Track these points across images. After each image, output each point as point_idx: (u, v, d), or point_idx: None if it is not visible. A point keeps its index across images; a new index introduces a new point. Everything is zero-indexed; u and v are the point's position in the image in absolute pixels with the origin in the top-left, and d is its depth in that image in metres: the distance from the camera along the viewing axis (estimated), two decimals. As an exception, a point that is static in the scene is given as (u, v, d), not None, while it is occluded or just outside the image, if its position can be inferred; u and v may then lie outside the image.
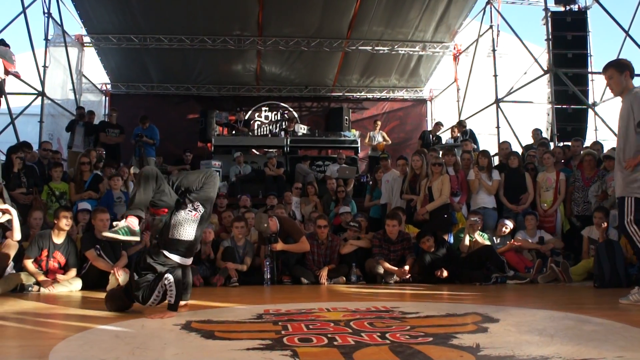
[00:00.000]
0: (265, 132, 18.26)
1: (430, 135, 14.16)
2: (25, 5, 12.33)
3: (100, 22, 15.01)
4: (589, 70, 13.02)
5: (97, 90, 17.74)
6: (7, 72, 4.42)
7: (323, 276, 7.93)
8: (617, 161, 5.27)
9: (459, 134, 13.43)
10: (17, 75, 4.86)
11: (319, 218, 8.57)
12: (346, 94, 18.74)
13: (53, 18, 13.82)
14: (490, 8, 14.64)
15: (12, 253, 6.78)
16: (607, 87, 5.44)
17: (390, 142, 15.15)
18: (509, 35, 14.46)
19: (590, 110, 12.93)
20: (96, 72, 17.24)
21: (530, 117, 13.95)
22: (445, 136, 15.19)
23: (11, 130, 11.36)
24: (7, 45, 10.97)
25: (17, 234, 6.72)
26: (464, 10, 15.09)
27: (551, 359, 2.68)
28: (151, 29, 15.09)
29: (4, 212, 6.70)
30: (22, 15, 12.36)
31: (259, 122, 18.57)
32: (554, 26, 12.66)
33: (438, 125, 14.72)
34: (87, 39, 16.18)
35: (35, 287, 6.80)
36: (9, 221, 6.76)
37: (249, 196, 10.78)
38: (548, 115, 12.73)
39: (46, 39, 13.51)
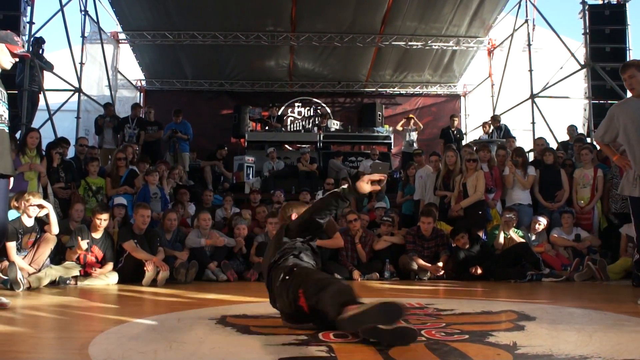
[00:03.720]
0: (298, 128, 18.23)
1: (451, 131, 14.05)
2: (63, 3, 12.50)
3: (135, 19, 15.19)
4: (628, 64, 12.75)
5: (132, 87, 17.96)
6: (14, 55, 4.43)
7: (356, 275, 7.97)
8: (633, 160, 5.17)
9: (491, 130, 13.30)
10: (25, 56, 4.87)
11: (348, 213, 8.59)
12: (379, 89, 18.65)
13: (89, 16, 14.00)
14: (526, 2, 14.41)
15: (51, 246, 6.90)
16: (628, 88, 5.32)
17: (422, 127, 15.03)
18: (545, 30, 14.24)
19: (628, 106, 12.67)
20: (131, 68, 17.47)
21: (566, 112, 13.75)
22: (473, 130, 15.09)
23: (49, 126, 11.55)
24: (43, 42, 11.23)
25: (54, 228, 6.87)
26: (498, 5, 14.88)
27: (590, 358, 2.65)
28: (185, 25, 15.20)
29: (40, 206, 6.86)
30: (60, 13, 12.52)
31: (292, 118, 18.62)
32: (592, 20, 12.41)
33: (453, 118, 14.56)
34: (122, 36, 16.38)
35: (73, 281, 6.92)
36: (47, 215, 6.92)
37: (282, 191, 10.83)
38: (585, 110, 12.51)
39: (83, 36, 13.71)
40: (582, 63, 12.18)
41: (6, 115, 4.41)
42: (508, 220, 8.29)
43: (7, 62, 4.48)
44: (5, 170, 4.34)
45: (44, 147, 9.50)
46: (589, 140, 11.16)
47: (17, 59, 4.58)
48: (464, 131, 17.45)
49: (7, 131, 4.41)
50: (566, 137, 11.96)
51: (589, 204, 8.89)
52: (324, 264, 8.11)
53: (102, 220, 7.25)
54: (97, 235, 7.29)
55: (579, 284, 7.32)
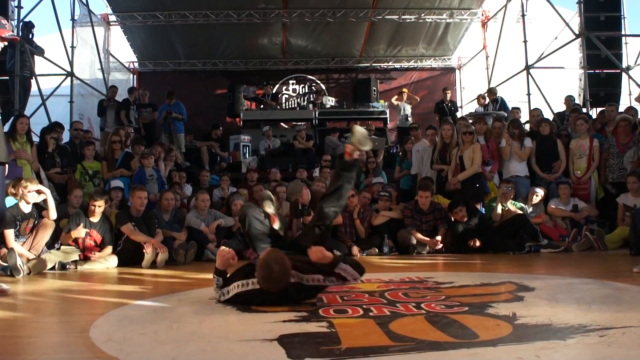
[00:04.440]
0: (293, 106, 18.20)
1: (445, 105, 14.01)
2: (52, -14, 12.37)
3: (126, 0, 15.04)
4: (623, 32, 12.68)
5: (125, 69, 17.80)
6: (2, 39, 4.36)
7: (355, 250, 8.00)
8: None
9: (487, 102, 13.27)
10: (14, 39, 4.79)
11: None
12: (373, 64, 18.53)
13: (79, -2, 13.85)
14: (519, -28, 14.31)
15: (49, 232, 6.90)
16: None
17: (418, 99, 15.02)
18: (539, 0, 14.14)
19: (624, 74, 12.61)
20: (123, 50, 17.27)
21: (561, 83, 13.68)
22: (469, 103, 15.05)
23: (43, 112, 11.48)
24: (33, 26, 11.12)
25: (52, 213, 6.86)
26: (492, -24, 14.80)
27: (589, 327, 2.67)
28: (176, 5, 15.06)
29: (39, 192, 6.85)
30: (49, -4, 12.39)
31: (287, 96, 18.52)
32: (585, -12, 12.32)
33: (445, 91, 14.56)
34: (112, 18, 16.20)
35: (73, 265, 6.93)
36: (44, 201, 6.91)
37: (279, 169, 10.82)
38: (580, 80, 12.45)
39: (73, 19, 13.51)
40: (577, 32, 12.09)
41: None
42: (505, 192, 8.31)
43: None
44: (0, 157, 4.31)
45: (37, 132, 9.49)
46: (584, 110, 11.14)
47: (6, 43, 4.50)
48: (459, 104, 17.45)
49: (0, 119, 4.37)
50: (562, 108, 11.92)
51: (585, 174, 8.90)
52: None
53: (97, 206, 7.25)
54: (94, 219, 7.29)
55: (577, 254, 7.36)
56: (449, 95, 14.45)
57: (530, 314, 3.02)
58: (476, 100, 14.02)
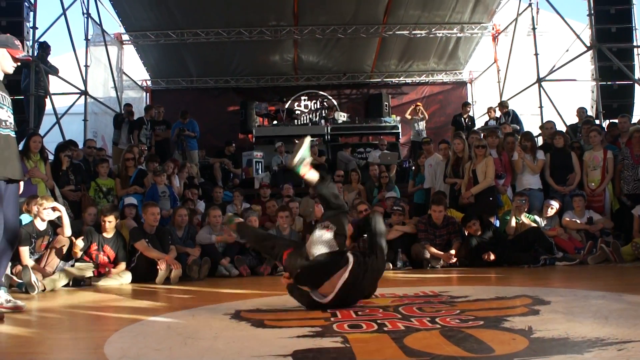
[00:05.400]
0: (305, 121, 18.25)
1: (463, 118, 14.01)
2: (65, 6, 12.50)
3: (138, 20, 15.20)
4: (634, 44, 12.64)
5: (138, 87, 18.00)
6: (15, 60, 4.40)
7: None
8: None
9: (497, 115, 13.25)
10: (27, 60, 4.80)
11: (359, 204, 8.59)
12: (385, 79, 18.59)
13: (92, 18, 14.02)
14: (529, -15, 14.33)
15: (64, 249, 6.95)
16: None
17: (427, 117, 15.03)
18: (549, 13, 14.11)
19: (637, 86, 12.56)
20: (136, 69, 17.48)
21: (574, 95, 13.64)
22: (480, 117, 15.01)
23: (57, 130, 11.59)
24: (49, 47, 11.25)
25: (67, 230, 6.91)
26: (502, -11, 14.81)
27: (607, 341, 2.64)
28: (188, 23, 15.20)
29: (54, 209, 6.90)
30: (63, 17, 12.53)
31: (299, 112, 18.59)
32: (596, 0, 12.30)
33: (465, 106, 14.56)
34: (125, 37, 16.38)
35: (87, 282, 6.96)
36: (59, 218, 6.96)
37: (291, 185, 10.84)
38: (592, 92, 12.42)
39: (86, 38, 13.73)
40: (588, 45, 12.08)
41: (11, 120, 4.39)
42: (519, 205, 8.27)
43: (9, 67, 4.44)
44: (14, 175, 4.34)
45: (52, 150, 9.58)
46: (597, 122, 11.08)
47: (19, 63, 4.54)
48: (470, 118, 17.45)
49: (14, 136, 4.40)
50: (575, 120, 11.87)
51: (599, 186, 8.83)
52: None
53: (108, 222, 7.30)
54: (108, 235, 7.35)
55: (593, 266, 7.30)
56: (469, 110, 14.44)
57: (547, 328, 2.98)
58: (487, 113, 14.00)
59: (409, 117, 14.74)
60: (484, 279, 6.50)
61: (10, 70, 4.46)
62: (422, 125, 14.71)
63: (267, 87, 18.37)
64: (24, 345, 3.23)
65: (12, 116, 4.41)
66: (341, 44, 16.67)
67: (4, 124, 4.28)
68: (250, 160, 13.85)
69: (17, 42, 4.49)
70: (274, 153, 13.85)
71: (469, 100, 18.48)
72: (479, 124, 15.47)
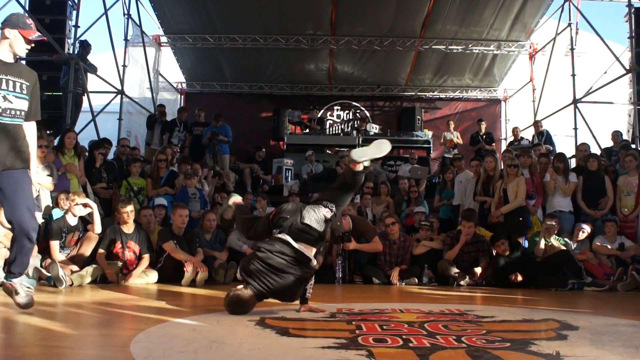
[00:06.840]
0: (337, 131, 18.30)
1: (480, 137, 13.91)
2: (107, 7, 12.72)
3: (177, 23, 15.38)
4: (675, 69, 12.45)
5: (173, 89, 18.19)
6: (29, 42, 4.12)
7: (395, 276, 7.90)
8: None
9: (521, 136, 13.21)
10: (42, 40, 4.41)
11: (387, 217, 8.57)
12: (419, 93, 18.52)
13: (132, 19, 14.28)
14: (569, 5, 14.13)
15: (93, 245, 7.03)
16: None
17: (462, 142, 14.92)
18: (589, 34, 13.99)
19: (675, 111, 12.36)
20: (172, 71, 17.68)
21: (609, 118, 13.48)
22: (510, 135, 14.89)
23: (92, 128, 11.76)
24: (89, 45, 11.44)
25: (97, 227, 7.01)
26: (540, 8, 14.65)
27: (637, 371, 2.59)
28: (226, 28, 15.34)
29: (86, 205, 7.00)
30: (104, 17, 12.74)
31: (331, 121, 18.61)
32: (638, 23, 12.13)
33: (480, 123, 14.51)
34: (164, 39, 16.58)
35: (114, 279, 7.04)
36: (90, 214, 7.06)
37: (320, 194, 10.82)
38: (629, 116, 12.25)
39: (126, 39, 14.00)
40: (627, 67, 11.93)
41: (15, 107, 4.07)
42: (549, 227, 8.15)
43: (22, 50, 4.15)
44: (19, 164, 4.12)
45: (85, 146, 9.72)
46: (633, 146, 10.91)
47: (33, 45, 4.21)
48: (503, 137, 17.31)
49: (16, 123, 4.12)
50: (609, 144, 11.71)
51: (633, 212, 8.69)
52: (362, 267, 8.14)
53: (127, 213, 7.31)
54: (128, 230, 7.38)
55: (622, 294, 7.16)
56: (483, 127, 14.36)
57: (574, 354, 2.93)
58: (512, 133, 13.91)
59: (449, 137, 14.68)
60: (510, 299, 6.42)
61: (23, 53, 4.17)
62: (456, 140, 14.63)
63: (301, 95, 18.40)
64: (50, 338, 3.28)
65: (20, 103, 4.12)
66: (377, 55, 16.68)
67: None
68: (280, 167, 13.92)
69: (30, 22, 4.19)
70: (304, 161, 13.89)
71: (502, 118, 18.39)
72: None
